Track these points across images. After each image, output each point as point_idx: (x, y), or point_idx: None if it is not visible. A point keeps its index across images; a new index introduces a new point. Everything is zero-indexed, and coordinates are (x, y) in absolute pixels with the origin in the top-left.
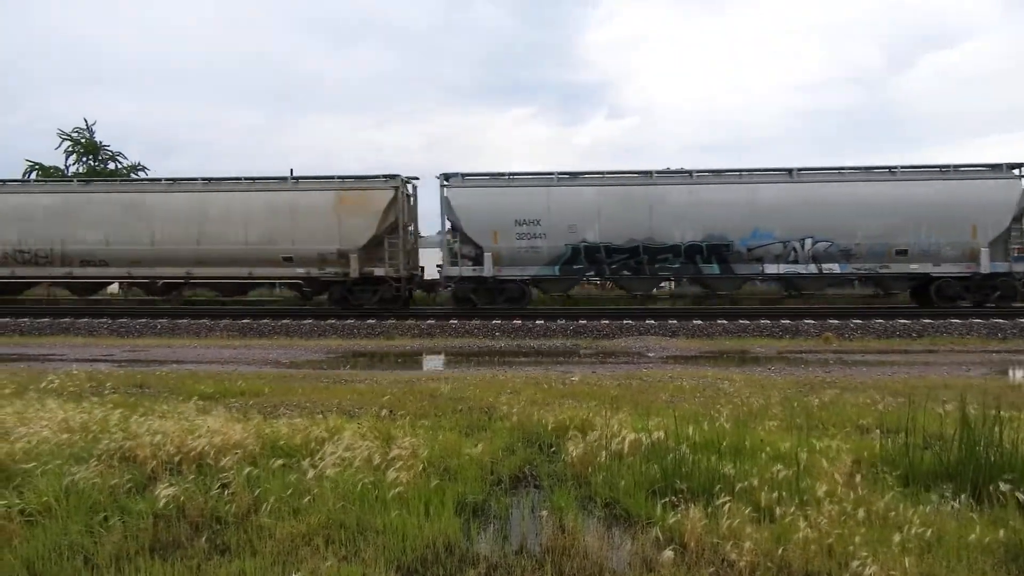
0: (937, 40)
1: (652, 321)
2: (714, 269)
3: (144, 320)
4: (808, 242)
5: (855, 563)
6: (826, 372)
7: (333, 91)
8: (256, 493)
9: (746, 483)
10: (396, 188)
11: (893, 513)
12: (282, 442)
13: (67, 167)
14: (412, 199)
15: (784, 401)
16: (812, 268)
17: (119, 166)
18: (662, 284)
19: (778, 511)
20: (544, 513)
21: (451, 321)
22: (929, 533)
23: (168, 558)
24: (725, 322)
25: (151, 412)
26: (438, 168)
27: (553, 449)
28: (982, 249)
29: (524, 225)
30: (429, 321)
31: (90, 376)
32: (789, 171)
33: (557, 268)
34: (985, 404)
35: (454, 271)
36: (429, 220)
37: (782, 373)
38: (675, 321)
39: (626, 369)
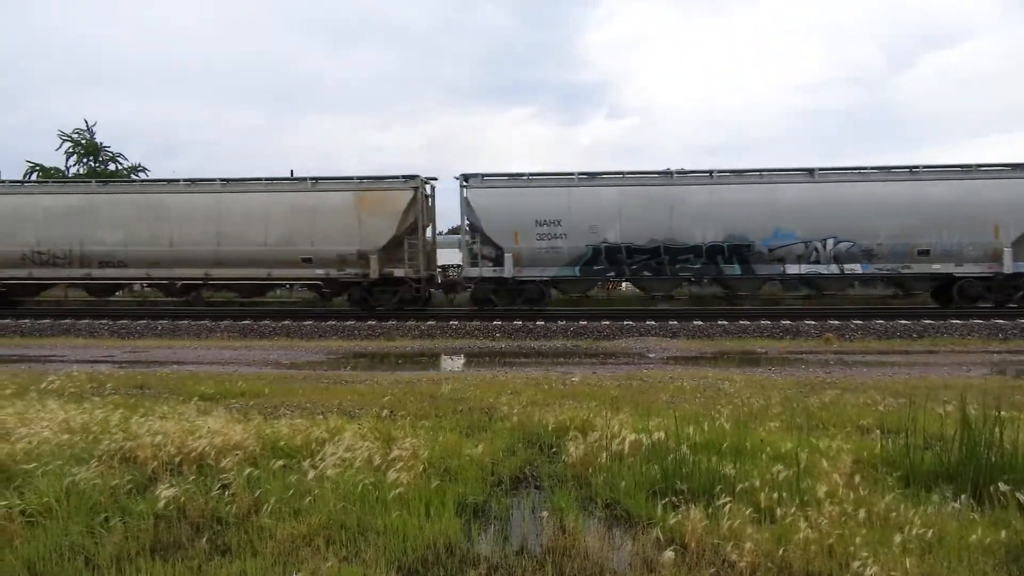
0: (937, 40)
1: (652, 322)
2: (735, 270)
3: (145, 321)
4: (830, 242)
5: (856, 564)
6: (826, 373)
7: (333, 91)
8: (257, 494)
9: (747, 484)
10: (416, 188)
11: (894, 514)
12: (283, 443)
13: (67, 168)
14: (430, 199)
15: (784, 402)
16: (834, 268)
17: (119, 167)
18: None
19: (779, 512)
20: (545, 514)
21: (451, 322)
22: (930, 534)
23: (169, 559)
24: (726, 323)
25: (152, 413)
26: (438, 168)
27: (554, 450)
28: (1005, 249)
29: (545, 225)
30: (429, 322)
31: (91, 377)
32: (810, 171)
33: (577, 269)
34: (985, 405)
35: (474, 272)
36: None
37: (782, 374)
38: (675, 322)
39: (626, 370)
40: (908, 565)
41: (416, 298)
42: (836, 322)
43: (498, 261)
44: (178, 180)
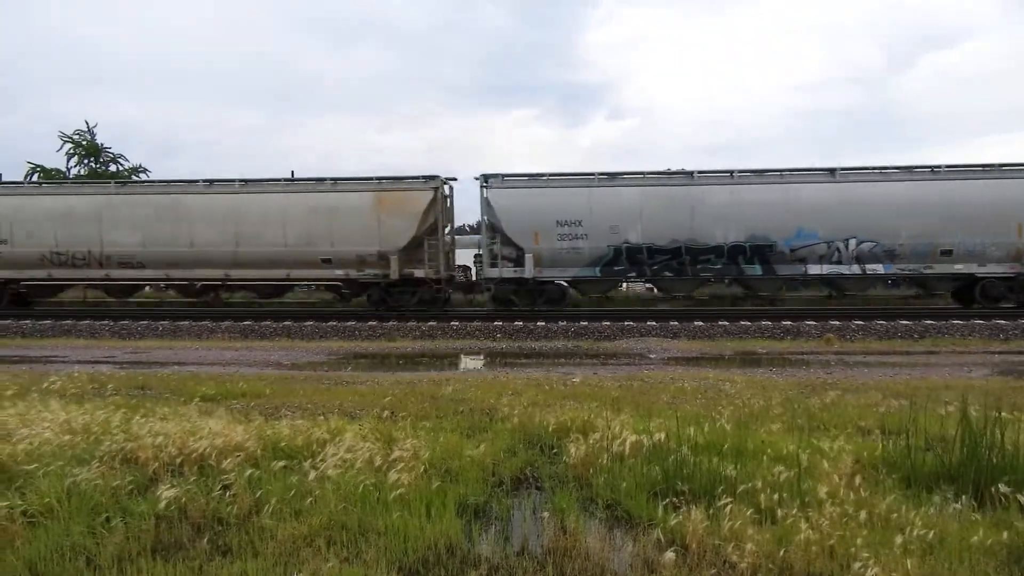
0: (937, 40)
1: (653, 323)
2: (756, 270)
3: (146, 322)
4: (852, 242)
5: (857, 565)
6: (827, 373)
7: (333, 91)
8: (258, 494)
9: (748, 485)
10: (436, 189)
11: (895, 515)
12: (283, 444)
13: (68, 169)
14: (449, 200)
15: (785, 402)
16: (856, 269)
17: (120, 168)
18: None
19: (780, 513)
20: (545, 515)
21: (452, 323)
22: (931, 535)
23: (170, 559)
24: (726, 323)
25: (153, 414)
26: (438, 170)
27: (554, 451)
28: None
29: (566, 226)
30: (430, 323)
31: (92, 378)
32: (831, 171)
33: (598, 269)
34: (987, 405)
35: (494, 273)
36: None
37: (783, 374)
38: (676, 323)
39: (627, 371)
40: (909, 566)
41: (436, 299)
42: (837, 322)
43: (518, 262)
44: (196, 181)
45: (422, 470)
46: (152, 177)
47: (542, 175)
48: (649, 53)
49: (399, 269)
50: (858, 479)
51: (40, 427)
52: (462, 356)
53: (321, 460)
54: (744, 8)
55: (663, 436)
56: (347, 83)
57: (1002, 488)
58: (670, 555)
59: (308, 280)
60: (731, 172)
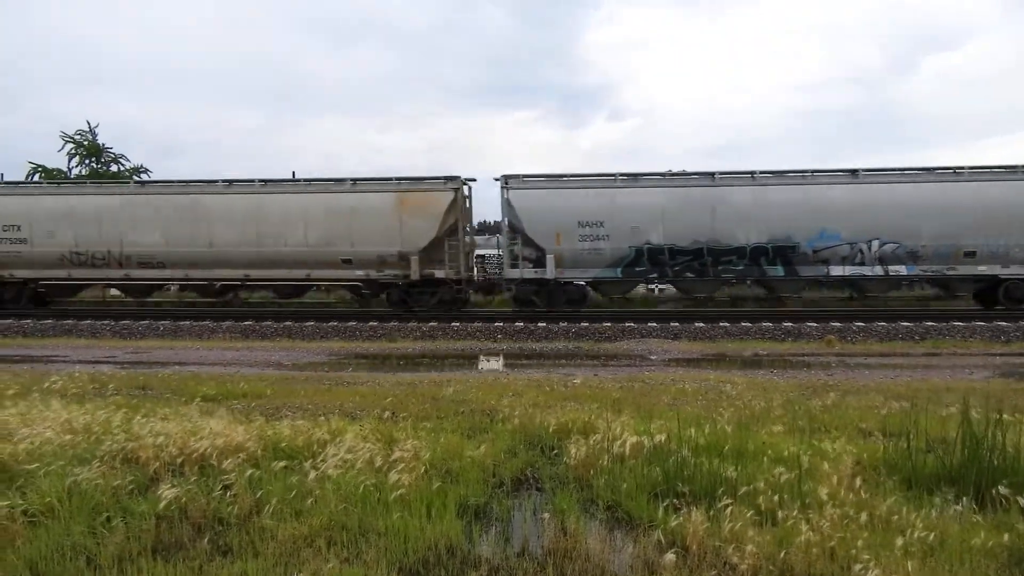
0: (937, 41)
1: (654, 324)
2: (778, 271)
3: (147, 322)
4: (875, 244)
5: (858, 567)
6: (828, 375)
7: (333, 91)
8: (258, 495)
9: (748, 486)
10: (456, 190)
11: (896, 517)
12: (284, 444)
13: (69, 170)
14: (468, 200)
15: (786, 404)
16: (878, 270)
17: (122, 168)
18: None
19: (780, 514)
20: (546, 515)
21: (453, 324)
22: (932, 537)
23: (170, 559)
24: (727, 325)
25: (153, 414)
26: (439, 170)
27: (555, 452)
28: None
29: (587, 227)
30: (431, 324)
31: (93, 378)
32: (853, 172)
33: (619, 270)
34: (988, 407)
35: (514, 274)
36: None
37: (784, 376)
38: (677, 324)
39: (628, 372)
40: (910, 568)
41: (456, 299)
42: (838, 324)
43: (539, 262)
44: (216, 181)
45: (423, 471)
46: (154, 177)
47: (563, 176)
48: (649, 54)
49: (420, 270)
50: (859, 481)
51: (41, 427)
52: (463, 357)
53: (322, 460)
54: (744, 8)
55: (664, 437)
56: (347, 83)
57: (1003, 490)
58: (670, 556)
59: (328, 280)
60: (752, 173)
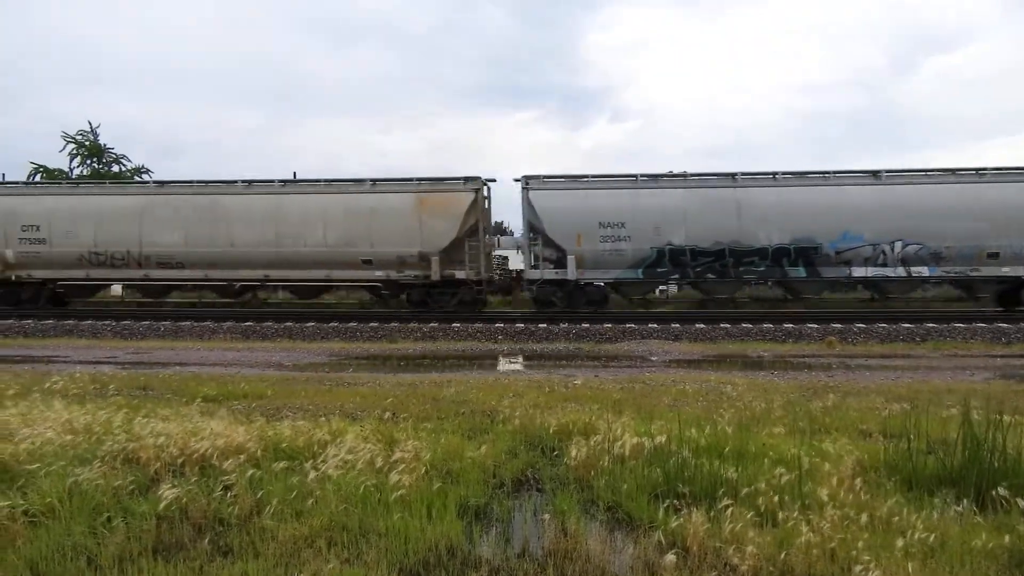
0: (939, 42)
1: (655, 325)
2: (800, 272)
3: (147, 322)
4: (898, 245)
5: (858, 568)
6: (829, 376)
7: (333, 91)
8: (259, 495)
9: (749, 487)
10: (476, 190)
11: (896, 518)
12: (285, 445)
13: (71, 170)
14: (488, 201)
15: (787, 405)
16: (901, 271)
17: (123, 169)
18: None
19: (781, 515)
20: (546, 516)
21: (453, 325)
22: (932, 538)
23: (171, 559)
24: (728, 326)
25: (154, 414)
26: (439, 170)
27: (555, 453)
28: None
29: (609, 228)
30: (431, 324)
31: (94, 378)
32: (875, 173)
33: (641, 271)
34: (988, 409)
35: (535, 274)
36: None
37: (785, 377)
38: (678, 325)
39: (629, 373)
40: (910, 569)
41: (475, 300)
42: (839, 325)
43: (559, 263)
44: (236, 181)
45: (423, 471)
46: (154, 178)
47: (584, 176)
48: (650, 55)
49: (440, 270)
50: (859, 482)
51: (42, 427)
52: (464, 358)
53: (322, 461)
54: (744, 8)
55: (664, 438)
56: (347, 83)
57: (1003, 492)
58: (671, 557)
59: (348, 281)
60: (774, 174)
